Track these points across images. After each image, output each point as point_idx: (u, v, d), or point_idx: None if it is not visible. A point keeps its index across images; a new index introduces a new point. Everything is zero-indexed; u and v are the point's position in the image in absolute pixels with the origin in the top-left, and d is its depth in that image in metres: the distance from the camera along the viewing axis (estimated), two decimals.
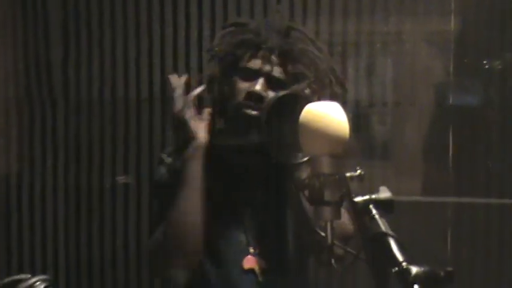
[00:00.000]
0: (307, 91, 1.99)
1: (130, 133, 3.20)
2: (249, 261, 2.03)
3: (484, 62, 2.94)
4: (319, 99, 1.86)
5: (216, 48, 2.06)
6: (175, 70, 2.24)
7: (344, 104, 1.66)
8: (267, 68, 1.98)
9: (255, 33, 2.03)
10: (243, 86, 1.98)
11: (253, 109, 1.95)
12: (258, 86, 1.96)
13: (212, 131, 2.04)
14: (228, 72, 2.01)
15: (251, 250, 2.04)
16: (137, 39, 3.19)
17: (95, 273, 3.25)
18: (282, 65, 2.00)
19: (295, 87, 1.98)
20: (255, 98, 1.94)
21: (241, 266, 2.02)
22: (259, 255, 2.04)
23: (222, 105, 2.03)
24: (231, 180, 2.06)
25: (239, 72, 2.00)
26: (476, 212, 2.95)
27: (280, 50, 2.00)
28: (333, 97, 2.01)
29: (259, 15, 3.00)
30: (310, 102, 1.69)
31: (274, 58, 2.00)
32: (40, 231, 3.30)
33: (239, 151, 2.03)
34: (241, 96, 1.96)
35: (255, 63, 1.99)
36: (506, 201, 2.92)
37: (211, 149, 2.02)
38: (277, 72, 1.99)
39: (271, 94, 1.96)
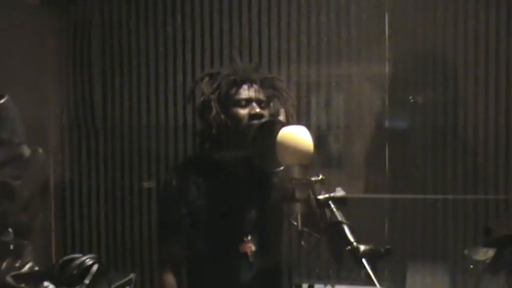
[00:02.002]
0: (282, 116, 2.01)
1: (152, 151, 3.22)
2: (245, 246, 2.03)
3: (410, 96, 2.99)
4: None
5: (212, 96, 2.02)
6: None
7: (309, 127, 1.68)
8: (255, 94, 2.00)
9: (238, 73, 2.03)
10: (243, 112, 1.97)
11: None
12: (257, 109, 1.97)
13: (212, 148, 2.06)
14: (226, 108, 2.00)
15: (245, 238, 2.04)
16: (156, 80, 3.21)
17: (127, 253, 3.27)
18: (261, 90, 2.02)
19: (273, 117, 1.99)
20: (257, 117, 1.95)
21: (238, 250, 2.02)
22: (251, 241, 2.03)
23: (226, 131, 2.01)
24: (228, 185, 2.05)
25: (235, 104, 1.99)
26: (407, 205, 2.98)
27: (259, 80, 2.03)
28: (288, 115, 2.04)
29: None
30: (284, 126, 1.71)
31: (256, 86, 2.02)
32: (87, 222, 3.31)
33: (234, 163, 2.03)
34: (245, 120, 1.96)
35: (245, 93, 1.99)
36: (429, 196, 2.95)
37: (213, 162, 2.05)
38: (261, 96, 2.01)
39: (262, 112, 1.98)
